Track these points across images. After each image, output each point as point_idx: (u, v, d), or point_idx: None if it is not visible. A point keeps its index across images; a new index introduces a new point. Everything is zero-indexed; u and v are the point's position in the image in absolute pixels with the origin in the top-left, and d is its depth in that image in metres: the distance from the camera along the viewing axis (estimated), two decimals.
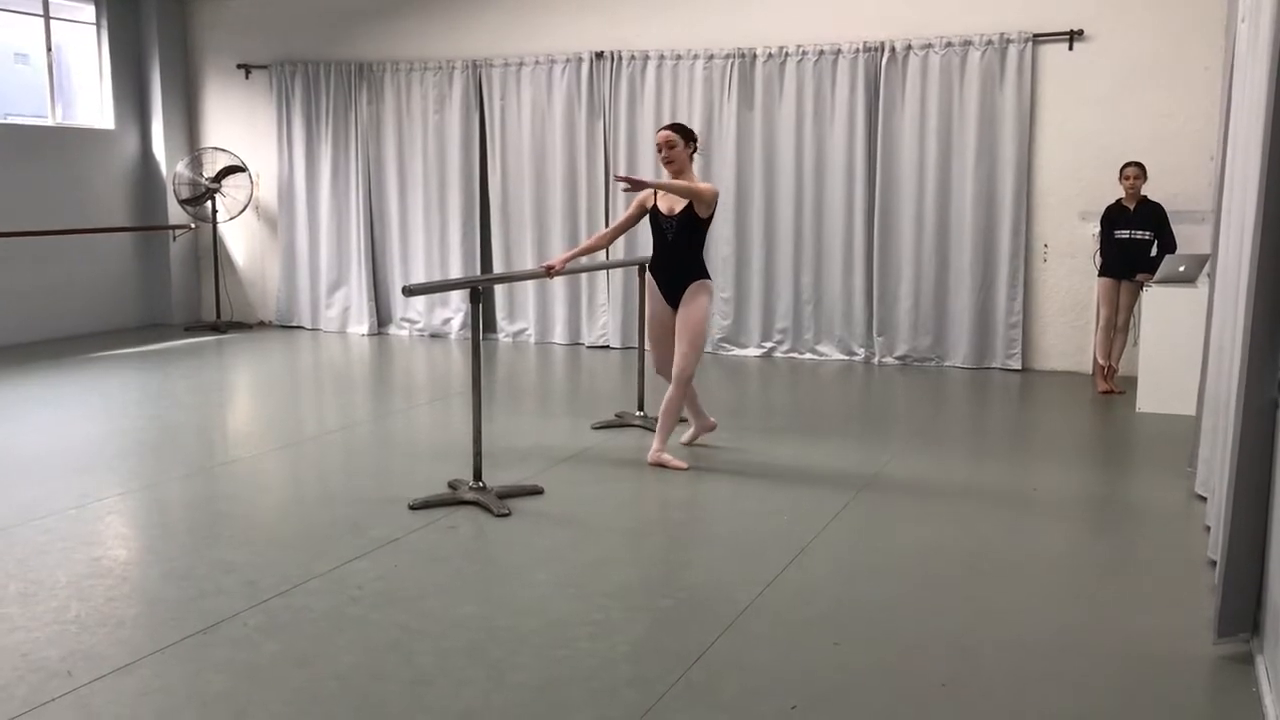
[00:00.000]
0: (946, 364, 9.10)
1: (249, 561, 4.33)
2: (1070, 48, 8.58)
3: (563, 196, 10.09)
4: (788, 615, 3.85)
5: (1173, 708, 3.24)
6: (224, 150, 11.15)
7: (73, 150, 10.53)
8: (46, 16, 10.37)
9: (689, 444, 6.22)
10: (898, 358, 9.21)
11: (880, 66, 9.04)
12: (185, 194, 11.05)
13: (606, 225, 9.87)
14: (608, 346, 10.08)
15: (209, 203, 11.10)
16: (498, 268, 10.35)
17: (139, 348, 9.91)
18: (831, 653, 3.54)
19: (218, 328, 10.98)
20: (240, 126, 11.34)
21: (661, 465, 5.76)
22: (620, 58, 9.81)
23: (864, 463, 5.96)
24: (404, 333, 10.88)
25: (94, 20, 10.82)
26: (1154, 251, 7.74)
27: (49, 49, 10.43)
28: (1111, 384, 7.94)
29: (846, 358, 9.35)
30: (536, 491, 5.29)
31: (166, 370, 8.81)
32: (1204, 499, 4.99)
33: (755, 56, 9.39)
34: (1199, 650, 3.55)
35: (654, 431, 6.45)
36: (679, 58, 9.63)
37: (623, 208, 9.75)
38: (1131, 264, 7.78)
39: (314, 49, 10.94)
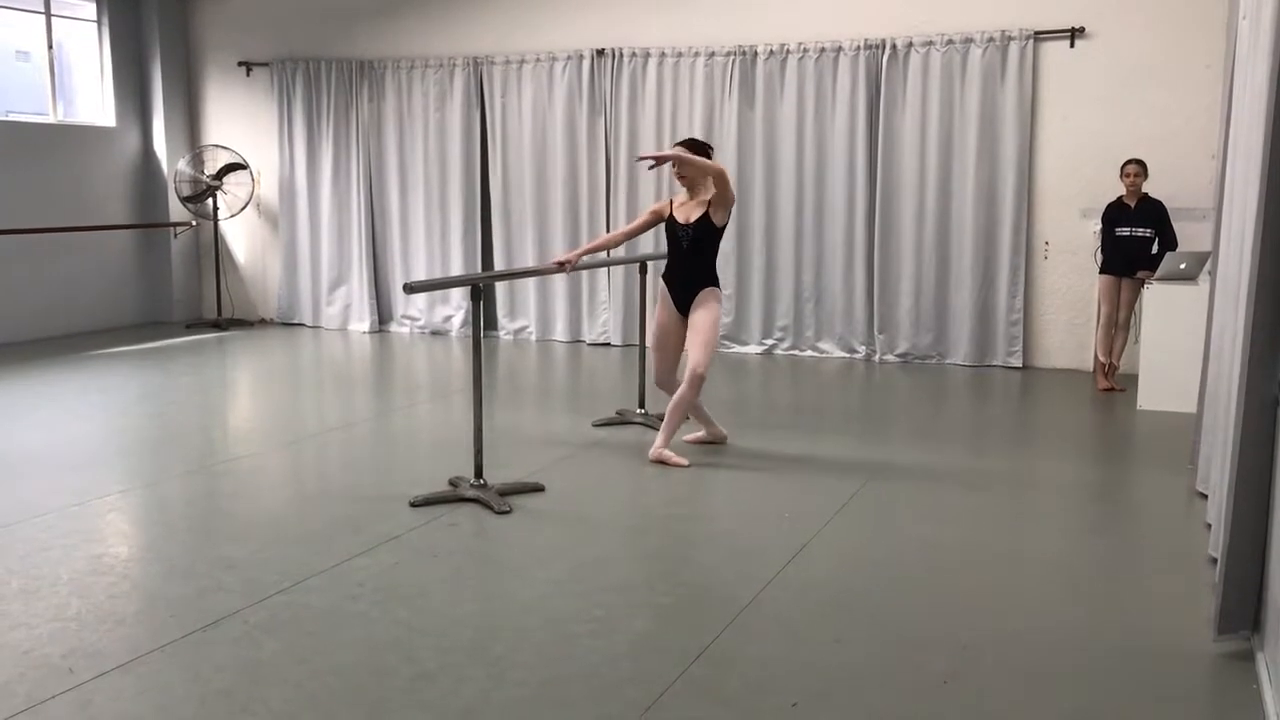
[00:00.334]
0: (947, 361, 9.10)
1: (250, 559, 4.34)
2: (1071, 45, 8.58)
3: (563, 194, 10.09)
4: (789, 612, 3.85)
5: (1173, 704, 3.24)
6: (225, 148, 11.15)
7: (74, 148, 10.53)
8: (48, 14, 10.37)
9: (692, 442, 6.22)
10: (899, 355, 9.21)
11: (881, 64, 9.03)
12: (186, 191, 11.05)
13: (607, 223, 9.89)
14: (609, 344, 10.08)
15: (210, 200, 11.10)
16: (498, 265, 10.36)
17: (140, 345, 9.91)
18: (833, 649, 3.54)
19: (219, 325, 10.99)
20: (241, 124, 11.34)
21: (662, 462, 5.77)
22: (621, 55, 9.81)
23: (865, 460, 5.96)
24: (405, 330, 10.89)
25: (95, 17, 10.82)
26: (1155, 249, 7.73)
27: (50, 46, 10.42)
28: (1112, 381, 7.94)
29: (847, 355, 9.35)
30: (537, 489, 5.30)
31: (167, 368, 8.81)
32: (1204, 496, 4.99)
33: (756, 54, 9.38)
34: (1199, 647, 3.56)
35: (655, 429, 6.46)
36: (680, 55, 9.62)
37: (623, 206, 9.81)
38: (1132, 262, 7.78)
39: (315, 46, 10.94)
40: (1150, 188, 7.84)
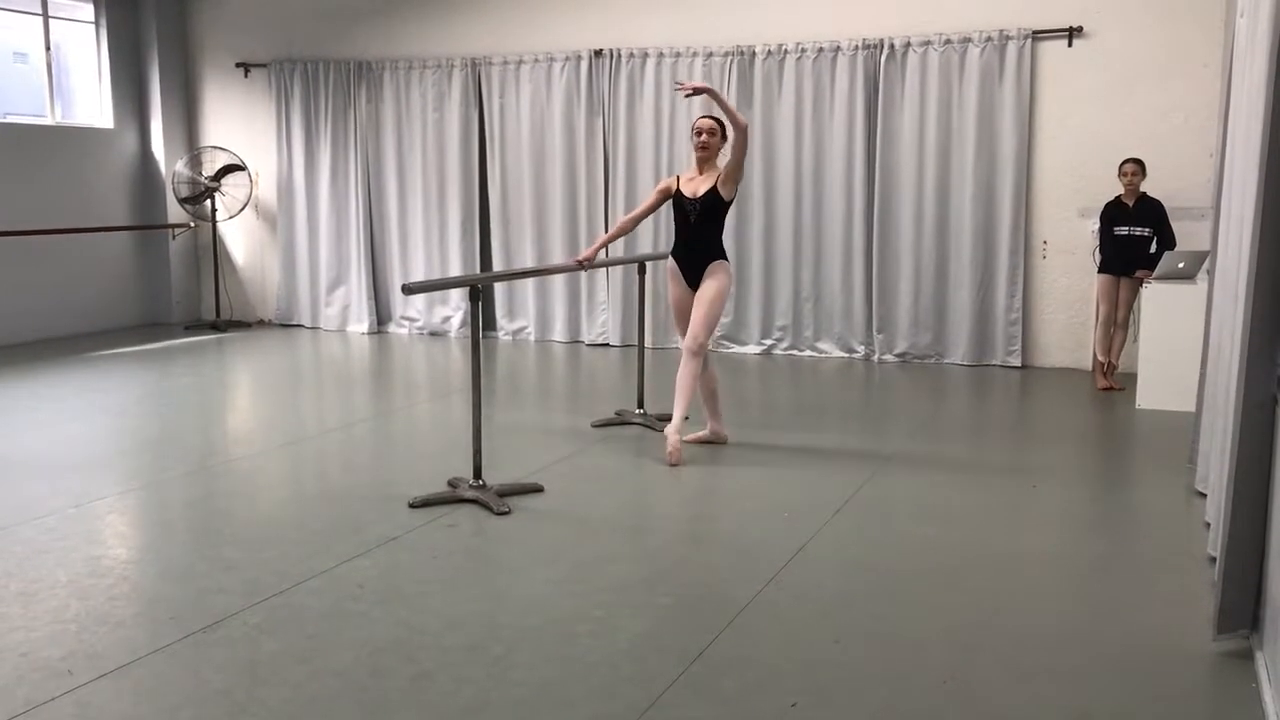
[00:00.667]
0: (946, 361, 9.10)
1: (249, 560, 4.33)
2: (1069, 44, 8.58)
3: (562, 194, 10.09)
4: (788, 612, 3.85)
5: (1173, 703, 3.25)
6: (223, 149, 11.15)
7: (72, 149, 10.52)
8: (45, 15, 10.36)
9: (693, 441, 6.21)
10: (897, 355, 9.21)
11: (879, 63, 9.03)
12: (184, 193, 11.04)
13: (606, 222, 9.89)
14: (607, 344, 10.08)
15: (208, 201, 11.10)
16: (497, 265, 10.36)
17: (138, 346, 9.91)
18: (832, 649, 3.54)
19: (217, 326, 10.98)
20: (239, 125, 11.34)
21: (672, 445, 5.75)
22: (619, 55, 9.81)
23: (864, 460, 5.96)
24: (404, 331, 10.88)
25: (93, 19, 10.82)
26: (1153, 248, 7.74)
27: (48, 48, 10.42)
28: (1111, 380, 7.94)
29: (846, 355, 9.35)
30: (536, 489, 5.29)
31: (166, 369, 8.81)
32: (1203, 495, 4.99)
33: (754, 54, 9.39)
34: (1199, 646, 3.56)
35: (654, 430, 6.47)
36: (678, 55, 9.62)
37: (623, 203, 9.80)
38: (1131, 261, 7.78)
39: (313, 48, 10.94)
40: (1148, 187, 7.84)
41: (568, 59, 9.97)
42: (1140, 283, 7.63)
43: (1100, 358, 8.02)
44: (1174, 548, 4.58)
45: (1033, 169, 8.78)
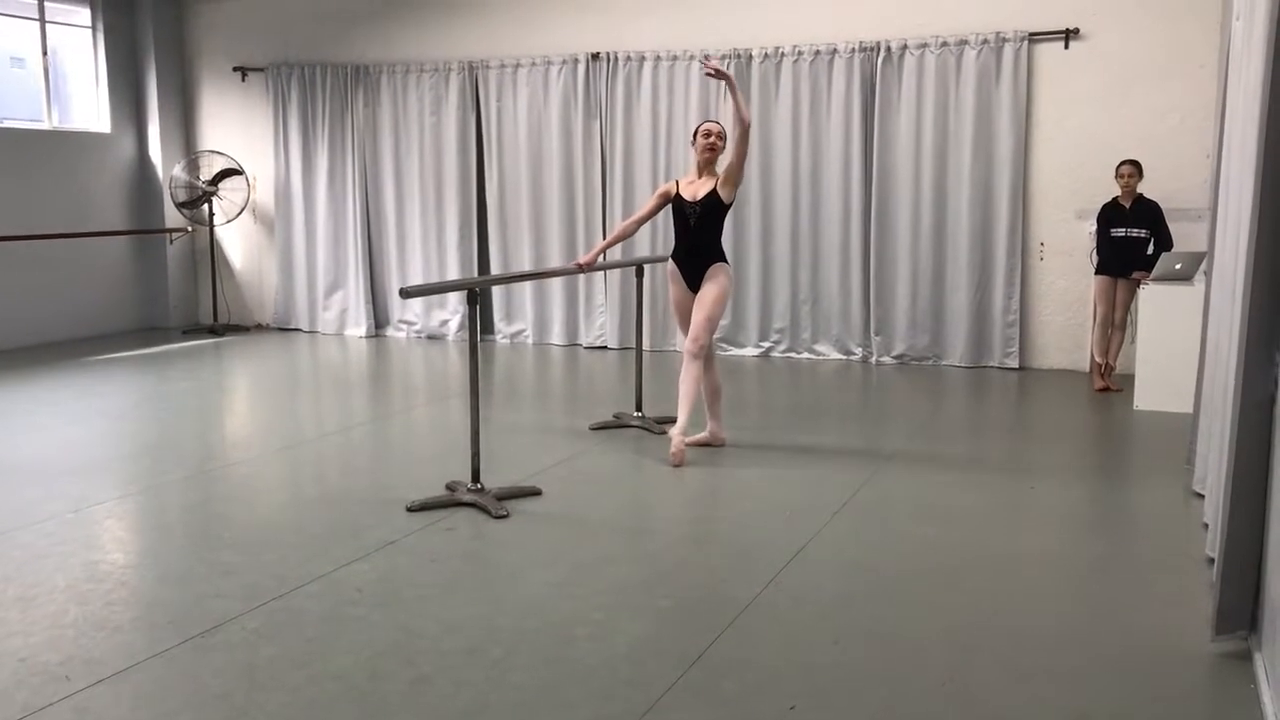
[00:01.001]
0: (944, 363, 9.10)
1: (247, 564, 4.33)
2: (1066, 46, 8.59)
3: (560, 197, 10.09)
4: (787, 614, 3.85)
5: (1171, 705, 3.25)
6: (220, 153, 11.15)
7: (69, 154, 10.52)
8: (42, 20, 10.37)
9: (691, 444, 6.22)
10: (895, 357, 9.22)
11: (876, 66, 9.04)
12: (182, 197, 11.04)
13: (603, 225, 9.90)
14: (605, 347, 10.08)
15: (206, 206, 11.09)
16: (495, 269, 10.36)
17: (136, 351, 9.90)
18: (831, 651, 3.54)
19: (215, 330, 10.98)
20: (237, 129, 11.34)
21: (674, 448, 5.78)
22: (616, 59, 9.81)
23: (862, 462, 5.96)
24: (401, 335, 10.88)
25: (90, 24, 10.82)
26: (1150, 249, 7.74)
27: (45, 53, 10.42)
28: (1109, 382, 7.94)
29: (844, 357, 9.36)
30: (535, 493, 5.29)
31: (164, 373, 8.80)
32: (1201, 496, 4.99)
33: (751, 57, 9.39)
34: (1197, 647, 3.56)
35: (652, 432, 6.47)
36: (675, 58, 9.63)
37: (620, 207, 9.81)
38: (1128, 262, 7.79)
39: (310, 51, 10.94)
40: (1145, 188, 7.85)
41: (565, 62, 9.97)
42: (1137, 284, 7.64)
43: (1098, 359, 8.03)
44: (1172, 549, 4.58)
45: (1030, 171, 8.79)
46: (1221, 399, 4.20)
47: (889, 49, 8.99)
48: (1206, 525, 4.58)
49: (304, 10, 10.92)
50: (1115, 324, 7.92)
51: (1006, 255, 8.84)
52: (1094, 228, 8.08)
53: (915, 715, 3.15)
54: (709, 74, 5.75)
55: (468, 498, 5.09)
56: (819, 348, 9.45)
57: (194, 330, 11.12)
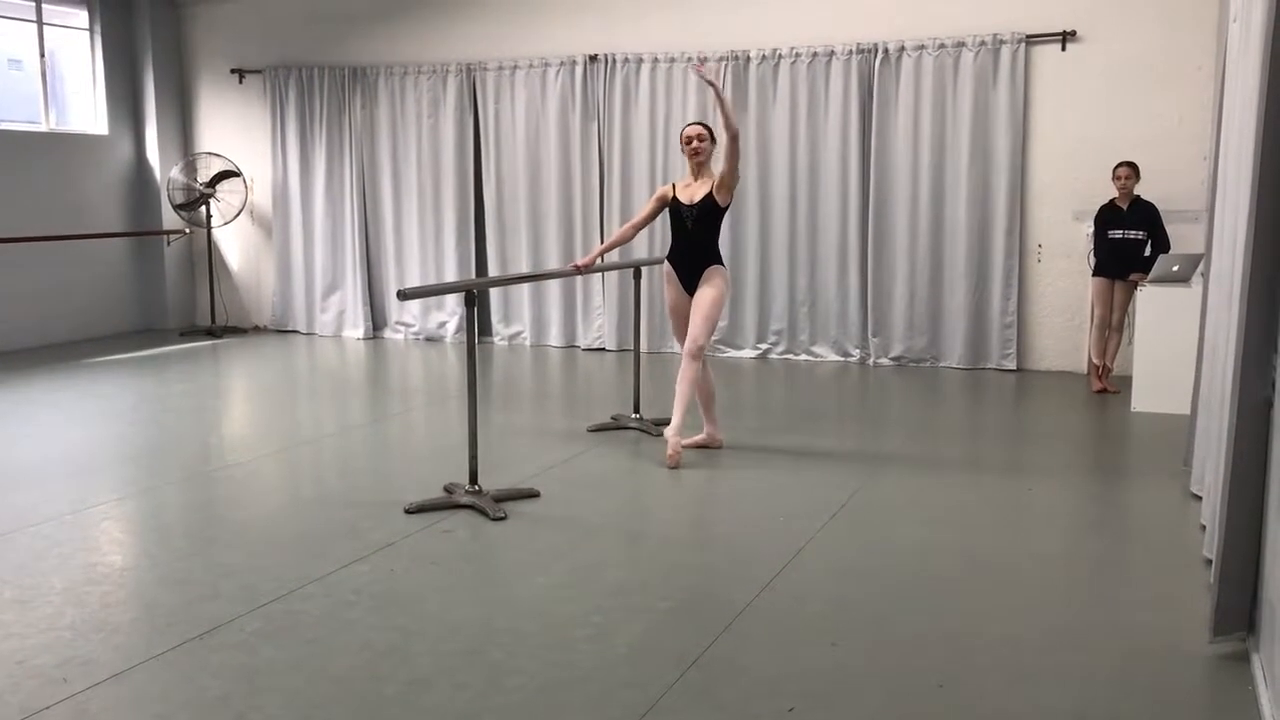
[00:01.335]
0: (942, 364, 9.11)
1: (246, 566, 4.33)
2: (1063, 48, 8.60)
3: (557, 199, 10.10)
4: (785, 616, 3.85)
5: (1169, 706, 3.25)
6: (218, 155, 11.14)
7: (67, 156, 10.52)
8: (40, 22, 10.36)
9: (688, 446, 6.23)
10: (893, 358, 9.22)
11: (874, 68, 9.05)
12: (179, 199, 11.04)
13: (601, 227, 9.90)
14: (603, 349, 10.08)
15: (203, 208, 11.09)
16: (493, 271, 10.36)
17: (134, 353, 9.90)
18: (829, 653, 3.55)
19: (213, 332, 10.97)
20: (234, 131, 11.33)
21: (681, 449, 5.80)
22: (614, 61, 9.82)
23: (859, 464, 5.96)
24: (399, 336, 10.88)
25: (87, 26, 10.81)
26: (1148, 251, 7.75)
27: (42, 55, 10.41)
28: (1106, 383, 7.95)
29: (842, 359, 9.36)
30: (533, 494, 5.29)
31: (162, 375, 8.80)
32: (1199, 498, 5.00)
33: (749, 58, 9.40)
34: (1195, 649, 3.56)
35: (650, 435, 6.47)
36: (673, 60, 9.64)
37: (618, 208, 9.82)
38: (1125, 264, 7.79)
39: (308, 53, 10.94)
40: (1142, 190, 7.86)
41: (563, 64, 9.98)
42: (1135, 286, 7.65)
43: (1095, 361, 8.03)
44: (1170, 550, 4.59)
45: (1027, 172, 8.79)
46: (1219, 400, 4.20)
47: (887, 51, 9.00)
48: (1204, 526, 4.58)
49: (301, 12, 10.91)
50: (1113, 326, 7.93)
51: (1004, 257, 8.85)
52: (1091, 229, 8.08)
53: (913, 717, 3.15)
54: (698, 74, 5.76)
55: (466, 499, 5.09)
56: (817, 349, 9.46)
57: (192, 332, 11.12)
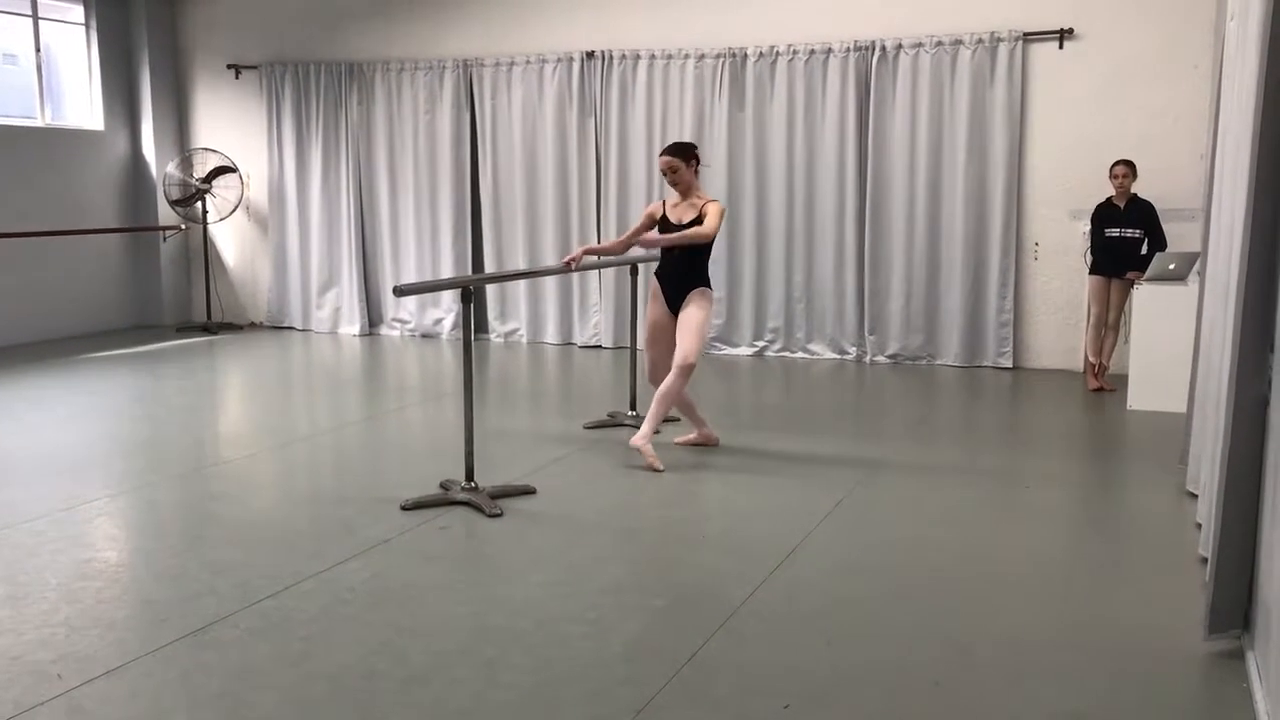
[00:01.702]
0: (938, 362, 9.11)
1: (240, 562, 4.32)
2: (1060, 46, 8.60)
3: (554, 196, 10.09)
4: (781, 614, 3.85)
5: (1164, 704, 3.25)
6: (214, 151, 11.12)
7: (62, 151, 10.49)
8: (35, 17, 10.33)
9: (683, 444, 6.23)
10: (889, 356, 9.22)
11: (871, 65, 9.05)
12: (175, 195, 11.02)
13: (598, 224, 9.92)
14: (600, 346, 10.08)
15: (199, 203, 11.07)
16: (489, 267, 10.35)
17: (129, 349, 9.88)
18: (824, 651, 3.54)
19: (208, 328, 10.96)
20: (230, 127, 11.32)
21: (639, 451, 5.72)
22: (611, 57, 9.81)
23: (856, 461, 5.96)
24: (395, 333, 10.87)
25: (83, 21, 10.79)
26: (1144, 250, 7.75)
27: (38, 49, 10.39)
28: (1102, 382, 7.96)
29: (838, 356, 9.36)
30: (529, 491, 5.29)
31: (157, 371, 8.78)
32: (1195, 496, 5.01)
33: (746, 56, 9.39)
34: (1190, 646, 3.56)
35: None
36: (670, 57, 9.63)
37: (615, 205, 9.81)
38: (1122, 262, 7.80)
39: (304, 49, 10.92)
40: (1139, 188, 7.86)
41: (559, 61, 9.97)
42: (1131, 284, 7.65)
43: (1091, 359, 8.04)
44: (1165, 548, 4.59)
45: (1024, 170, 8.80)
46: (1215, 399, 4.21)
47: (884, 48, 9.00)
48: (1200, 525, 4.58)
49: (298, 8, 10.89)
50: (1109, 324, 7.93)
51: (1001, 255, 8.86)
52: (1088, 228, 8.09)
53: (909, 715, 3.15)
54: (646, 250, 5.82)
55: (462, 496, 5.09)
56: (813, 347, 9.46)
57: (187, 328, 11.10)
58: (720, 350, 9.63)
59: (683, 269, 5.88)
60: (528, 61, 10.08)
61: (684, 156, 5.85)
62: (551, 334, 10.31)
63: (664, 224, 5.92)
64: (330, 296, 11.05)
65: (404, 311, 10.82)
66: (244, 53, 11.17)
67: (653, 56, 9.68)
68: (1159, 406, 7.04)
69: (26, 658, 3.46)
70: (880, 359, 9.24)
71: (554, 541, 4.65)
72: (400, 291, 5.12)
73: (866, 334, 9.28)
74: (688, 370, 5.79)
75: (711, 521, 5.14)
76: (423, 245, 10.63)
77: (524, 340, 10.41)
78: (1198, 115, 8.01)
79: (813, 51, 9.21)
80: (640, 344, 6.28)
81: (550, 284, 10.19)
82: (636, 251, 9.23)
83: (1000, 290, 8.89)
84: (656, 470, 5.69)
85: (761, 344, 9.60)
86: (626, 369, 7.05)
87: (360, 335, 10.84)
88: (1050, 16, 8.58)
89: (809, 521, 4.86)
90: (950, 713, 3.15)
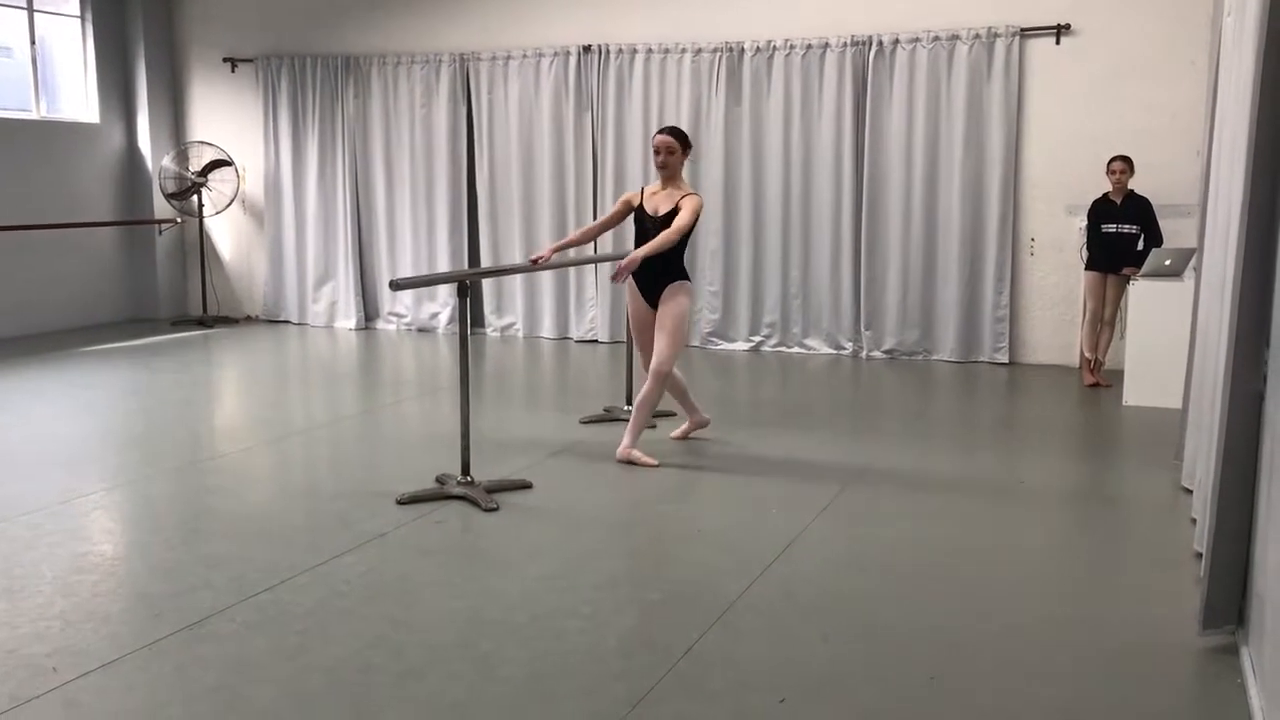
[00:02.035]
0: (934, 357, 9.12)
1: (236, 556, 4.32)
2: (1057, 42, 8.60)
3: (550, 190, 10.07)
4: (776, 608, 3.85)
5: (1159, 699, 3.26)
6: (210, 144, 11.10)
7: (57, 144, 10.47)
8: (30, 9, 10.30)
9: (681, 438, 6.23)
10: (885, 351, 9.23)
11: (868, 61, 9.04)
12: (171, 188, 11.00)
13: (594, 218, 9.87)
14: (596, 341, 10.07)
15: (195, 197, 11.05)
16: (486, 262, 10.34)
17: (125, 342, 9.87)
18: (820, 646, 3.55)
19: (204, 322, 10.94)
20: (226, 120, 11.29)
21: (630, 462, 5.72)
22: (608, 51, 9.79)
23: (852, 456, 5.97)
24: (391, 327, 10.86)
25: (78, 13, 10.75)
26: (1141, 245, 7.76)
27: (33, 42, 10.36)
28: (1098, 377, 7.97)
29: (834, 351, 9.36)
30: (525, 486, 5.29)
31: (153, 365, 8.77)
32: (1190, 491, 5.01)
33: (743, 50, 9.38)
34: (1185, 642, 3.57)
35: (649, 427, 6.46)
36: (666, 51, 9.62)
37: (610, 202, 9.79)
38: (1118, 258, 7.80)
39: (300, 42, 10.90)
40: (1136, 184, 7.87)
41: (556, 54, 9.95)
42: (1127, 280, 7.66)
43: (1087, 354, 8.05)
44: (1160, 544, 4.60)
45: (1021, 166, 8.80)
46: (1210, 394, 4.21)
47: (881, 43, 8.99)
48: (1195, 520, 4.59)
49: (294, 1, 10.87)
50: (1105, 320, 7.94)
51: (997, 250, 8.86)
52: (1084, 223, 8.09)
53: (904, 710, 3.15)
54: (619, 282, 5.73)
55: (458, 490, 5.09)
56: (809, 342, 9.46)
57: (183, 322, 11.08)
58: (716, 345, 9.64)
59: (656, 262, 5.71)
60: (524, 55, 10.06)
61: (681, 141, 5.78)
62: (548, 328, 10.31)
63: (639, 213, 5.82)
64: (326, 290, 11.03)
65: (400, 305, 10.81)
66: (240, 46, 11.14)
67: (649, 51, 9.67)
68: (1154, 402, 7.05)
69: (21, 651, 3.46)
70: (876, 354, 9.24)
71: (550, 536, 4.65)
72: (396, 285, 5.11)
73: (863, 329, 9.28)
74: (662, 378, 5.74)
75: (707, 516, 5.14)
76: (419, 239, 10.61)
77: (520, 334, 10.40)
78: (1194, 111, 8.01)
79: (810, 46, 9.20)
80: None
81: (547, 279, 10.19)
82: (631, 246, 9.26)
83: (996, 285, 8.89)
84: (653, 466, 5.69)
85: (758, 339, 9.60)
86: (623, 363, 7.05)
87: (356, 329, 10.82)
88: (1047, 12, 8.58)
89: (805, 517, 4.86)
90: (946, 707, 3.16)
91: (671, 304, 5.74)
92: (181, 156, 11.05)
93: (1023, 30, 8.64)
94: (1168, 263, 7.30)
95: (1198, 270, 5.42)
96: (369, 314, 10.98)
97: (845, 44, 9.08)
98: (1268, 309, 3.25)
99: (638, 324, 5.99)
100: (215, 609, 3.79)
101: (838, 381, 8.46)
